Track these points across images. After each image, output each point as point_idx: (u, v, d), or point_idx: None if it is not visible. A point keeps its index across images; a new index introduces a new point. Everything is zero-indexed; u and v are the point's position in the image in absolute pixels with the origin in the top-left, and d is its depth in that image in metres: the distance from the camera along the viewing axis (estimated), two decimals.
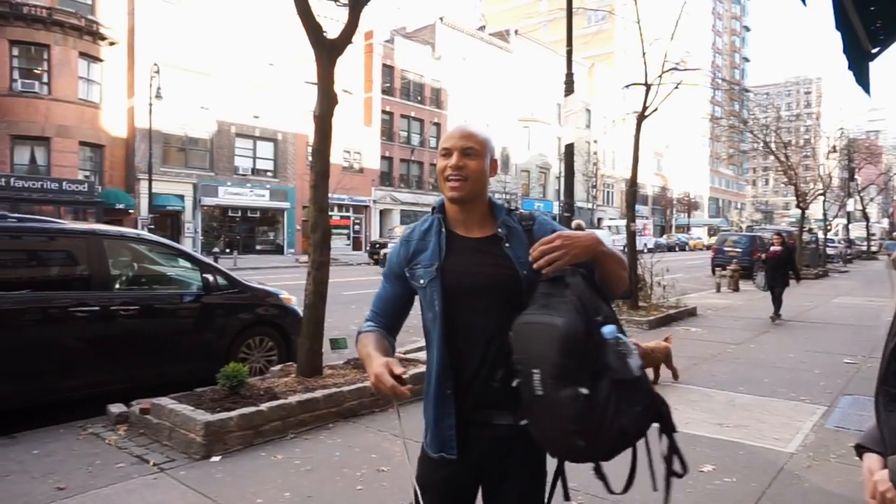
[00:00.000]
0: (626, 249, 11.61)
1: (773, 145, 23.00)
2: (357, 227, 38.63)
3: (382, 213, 39.71)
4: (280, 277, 17.00)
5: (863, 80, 2.07)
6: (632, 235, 11.41)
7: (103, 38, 26.12)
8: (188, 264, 6.08)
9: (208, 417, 4.18)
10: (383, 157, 39.49)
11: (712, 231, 63.28)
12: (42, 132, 24.31)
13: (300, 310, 5.95)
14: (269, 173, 33.32)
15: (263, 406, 4.47)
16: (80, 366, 4.98)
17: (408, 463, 1.66)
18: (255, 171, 32.62)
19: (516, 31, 49.42)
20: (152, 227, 23.65)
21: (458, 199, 1.64)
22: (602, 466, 1.55)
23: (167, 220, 29.10)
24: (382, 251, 25.22)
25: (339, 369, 5.69)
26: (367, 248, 26.79)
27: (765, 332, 9.68)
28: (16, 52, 23.97)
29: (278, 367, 5.83)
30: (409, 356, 6.32)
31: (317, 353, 5.42)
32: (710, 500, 3.51)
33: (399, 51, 39.83)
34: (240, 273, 7.60)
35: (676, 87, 11.47)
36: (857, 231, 46.58)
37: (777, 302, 10.80)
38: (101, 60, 26.30)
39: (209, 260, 6.73)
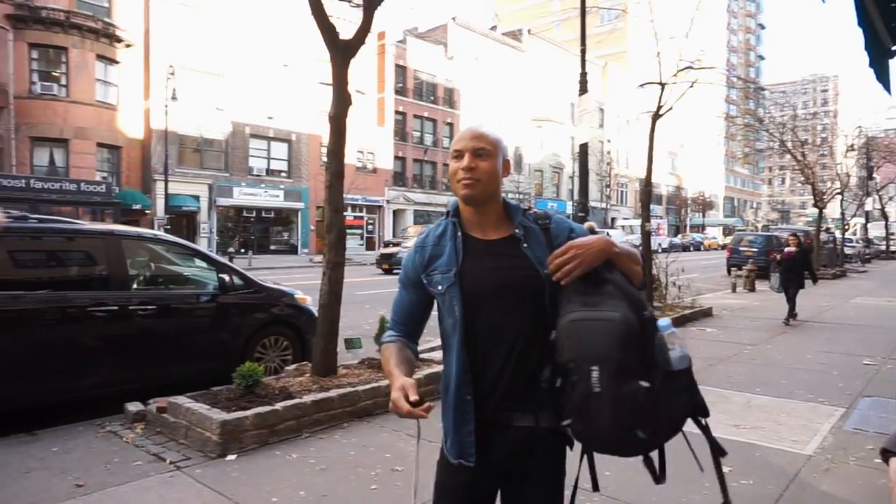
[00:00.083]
0: (640, 248, 11.54)
1: (789, 144, 22.72)
2: (370, 228, 38.75)
3: (396, 213, 39.80)
4: (294, 277, 17.10)
5: (883, 77, 2.05)
6: (647, 235, 11.33)
7: (120, 41, 26.42)
8: (204, 264, 6.13)
9: (224, 416, 4.21)
10: (396, 158, 39.58)
11: (727, 231, 62.77)
12: (60, 134, 24.63)
13: (315, 309, 5.98)
14: (283, 174, 33.53)
15: (278, 405, 4.50)
16: (99, 365, 5.04)
17: (416, 469, 1.65)
18: (269, 172, 32.83)
19: (529, 31, 49.31)
20: (168, 227, 23.91)
21: (472, 199, 1.63)
22: (652, 457, 1.57)
23: (183, 221, 29.38)
24: (396, 255, 21.74)
25: (354, 369, 5.71)
26: (377, 258, 23.53)
27: (781, 333, 9.58)
28: (35, 54, 24.31)
29: (293, 366, 5.86)
30: (422, 356, 6.33)
31: (332, 353, 5.45)
32: None
33: (412, 51, 39.89)
34: (254, 273, 7.65)
35: (691, 86, 11.37)
36: (875, 230, 45.91)
37: (791, 304, 10.65)
38: (117, 63, 26.61)
39: (225, 260, 6.78)
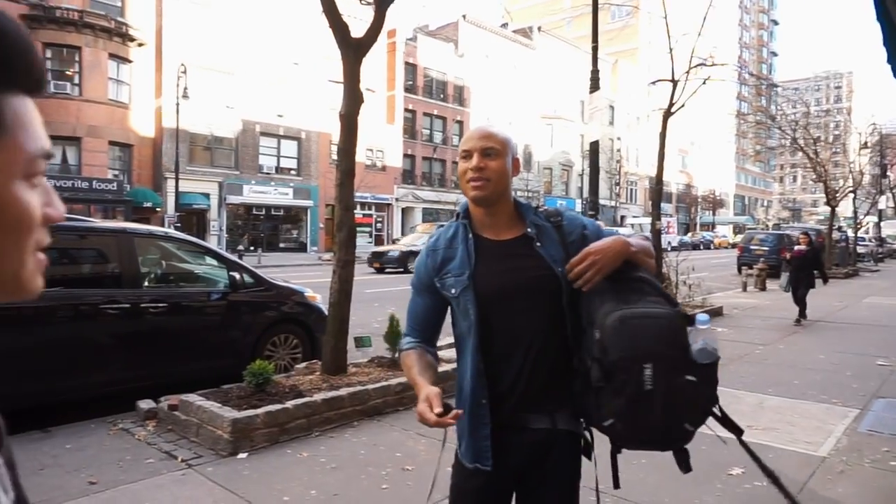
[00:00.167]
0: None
1: (801, 141, 22.51)
2: (379, 226, 38.77)
3: (404, 210, 39.81)
4: (303, 275, 17.14)
5: None
6: (657, 234, 11.27)
7: (132, 40, 26.58)
8: (215, 262, 6.15)
9: (235, 414, 4.23)
10: (406, 155, 39.57)
11: (738, 229, 62.30)
12: (73, 132, 24.82)
13: (324, 307, 5.99)
14: (292, 171, 33.61)
15: (289, 404, 4.51)
16: (111, 362, 5.08)
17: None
18: (278, 170, 32.92)
19: (539, 28, 49.12)
20: (178, 225, 24.02)
21: (482, 199, 1.61)
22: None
23: (193, 219, 29.53)
24: (387, 254, 20.77)
25: (364, 367, 5.71)
26: (368, 257, 21.37)
27: (793, 333, 9.50)
28: (49, 54, 24.48)
29: (303, 364, 5.87)
30: None
31: (341, 351, 5.45)
32: None
33: (422, 48, 39.86)
34: (264, 271, 7.67)
35: (704, 83, 11.28)
36: (889, 229, 45.41)
37: (801, 304, 10.51)
38: (129, 61, 26.77)
39: (235, 258, 6.81)
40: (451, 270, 1.64)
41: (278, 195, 32.67)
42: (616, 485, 1.63)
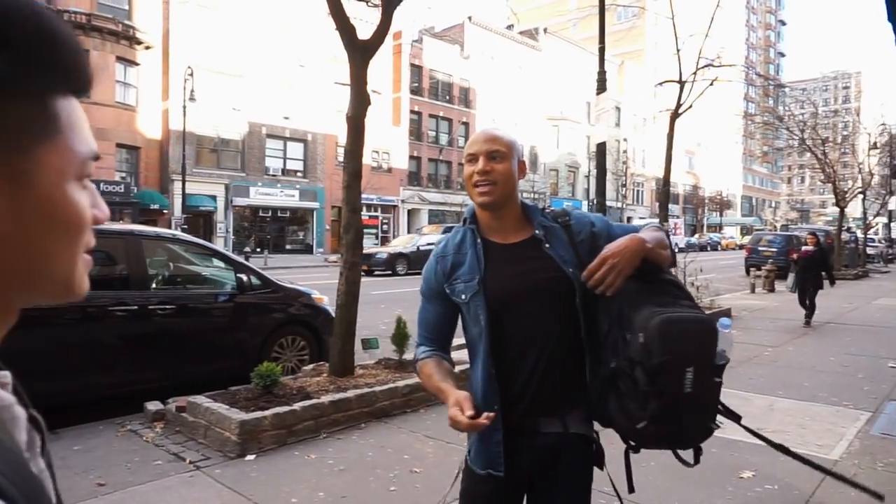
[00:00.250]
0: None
1: (809, 142, 22.38)
2: (385, 227, 38.79)
3: (410, 212, 39.82)
4: (309, 277, 17.17)
5: None
6: (665, 235, 11.20)
7: (139, 43, 26.71)
8: (222, 264, 6.16)
9: (243, 416, 4.23)
10: (411, 157, 39.58)
11: (745, 230, 62.01)
12: None
13: (331, 309, 5.98)
14: (298, 173, 33.67)
15: (296, 405, 4.50)
16: (119, 364, 5.09)
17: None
18: (285, 172, 32.99)
19: (545, 30, 49.08)
20: (185, 227, 24.09)
21: (490, 204, 1.59)
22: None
23: (200, 220, 29.61)
24: (375, 255, 20.43)
25: (371, 369, 5.70)
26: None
27: (803, 335, 9.43)
28: None
29: (310, 366, 5.87)
30: None
31: (349, 353, 5.45)
32: None
33: (427, 50, 39.88)
34: (270, 272, 7.67)
35: (711, 84, 11.24)
36: None
37: (809, 305, 10.39)
38: (137, 64, 26.90)
39: (242, 260, 6.81)
40: (460, 276, 1.63)
41: (284, 197, 32.74)
42: (631, 488, 1.62)
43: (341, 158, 5.80)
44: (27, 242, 0.46)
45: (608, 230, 1.66)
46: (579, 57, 48.68)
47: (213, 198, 29.91)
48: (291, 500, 3.46)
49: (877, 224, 39.35)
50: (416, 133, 39.80)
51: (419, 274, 1.83)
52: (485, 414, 1.38)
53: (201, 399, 4.61)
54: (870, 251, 29.18)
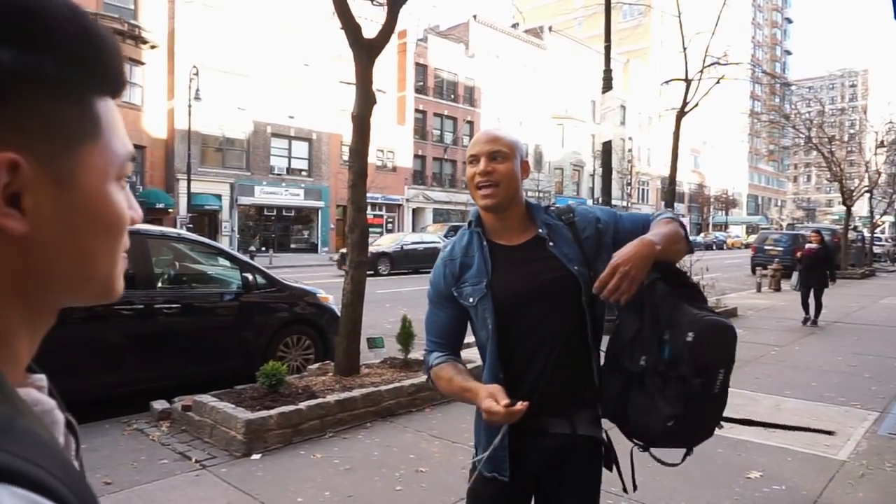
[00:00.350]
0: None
1: (815, 140, 22.27)
2: (390, 226, 38.81)
3: (415, 211, 39.82)
4: (314, 275, 17.19)
5: None
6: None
7: (145, 42, 26.77)
8: (228, 263, 6.17)
9: (249, 415, 4.23)
10: (416, 156, 39.58)
11: (751, 229, 61.78)
12: None
13: (336, 308, 5.98)
14: (303, 172, 33.72)
15: (302, 405, 4.50)
16: (125, 362, 5.10)
17: None
18: (290, 171, 33.04)
19: (550, 28, 48.98)
20: (191, 226, 24.16)
21: (493, 207, 1.57)
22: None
23: (205, 220, 29.71)
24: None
25: (376, 368, 5.70)
26: (336, 259, 20.55)
27: (810, 334, 9.39)
28: None
29: (316, 365, 5.87)
30: None
31: (354, 352, 5.45)
32: None
33: (432, 49, 39.85)
34: (275, 271, 7.69)
35: (717, 83, 11.19)
36: None
37: (816, 305, 10.33)
38: (142, 63, 26.97)
39: (247, 259, 6.82)
40: (468, 279, 1.61)
41: (289, 196, 32.79)
42: (634, 487, 1.63)
43: (346, 157, 5.80)
44: (71, 244, 0.46)
45: (615, 223, 1.63)
46: (584, 55, 48.56)
47: (218, 197, 29.98)
48: (297, 500, 3.46)
49: (883, 223, 39.13)
50: (420, 132, 39.78)
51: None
52: (520, 403, 1.36)
53: (207, 398, 4.61)
54: (876, 250, 29.02)
